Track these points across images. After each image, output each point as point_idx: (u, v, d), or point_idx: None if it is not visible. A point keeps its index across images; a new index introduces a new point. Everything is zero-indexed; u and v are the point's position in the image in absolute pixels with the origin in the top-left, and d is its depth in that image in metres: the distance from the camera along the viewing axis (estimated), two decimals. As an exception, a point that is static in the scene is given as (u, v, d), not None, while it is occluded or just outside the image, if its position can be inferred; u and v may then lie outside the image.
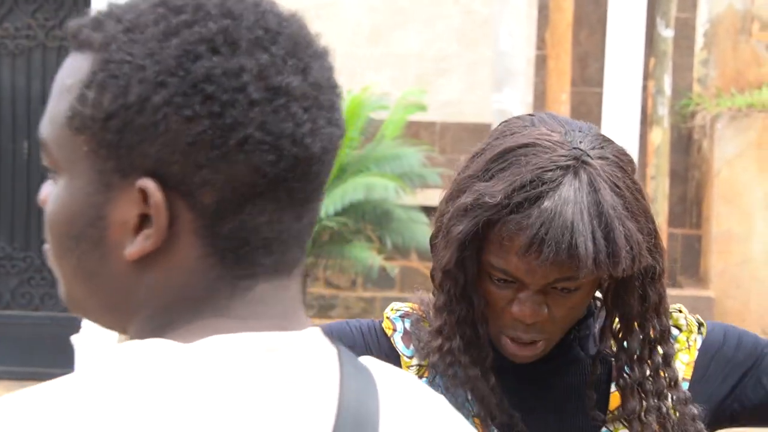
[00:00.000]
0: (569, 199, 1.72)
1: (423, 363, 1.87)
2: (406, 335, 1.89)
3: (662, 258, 1.85)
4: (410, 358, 1.88)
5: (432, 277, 1.86)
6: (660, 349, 1.86)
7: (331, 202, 8.13)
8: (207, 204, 1.04)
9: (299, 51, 1.06)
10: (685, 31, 8.91)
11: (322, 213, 8.01)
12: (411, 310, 1.92)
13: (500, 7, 7.51)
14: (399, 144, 8.66)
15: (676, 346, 1.91)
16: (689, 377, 1.90)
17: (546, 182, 1.72)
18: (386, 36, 9.34)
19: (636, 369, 1.84)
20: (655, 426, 1.84)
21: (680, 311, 1.95)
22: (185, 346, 1.02)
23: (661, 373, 1.85)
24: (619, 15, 8.78)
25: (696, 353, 1.91)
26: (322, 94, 1.07)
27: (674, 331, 1.92)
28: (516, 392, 1.86)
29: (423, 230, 8.53)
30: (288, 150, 1.04)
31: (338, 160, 8.47)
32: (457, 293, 1.81)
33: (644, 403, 1.84)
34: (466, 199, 1.75)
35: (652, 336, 1.85)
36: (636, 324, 1.84)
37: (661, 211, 8.61)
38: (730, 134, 8.66)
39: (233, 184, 1.03)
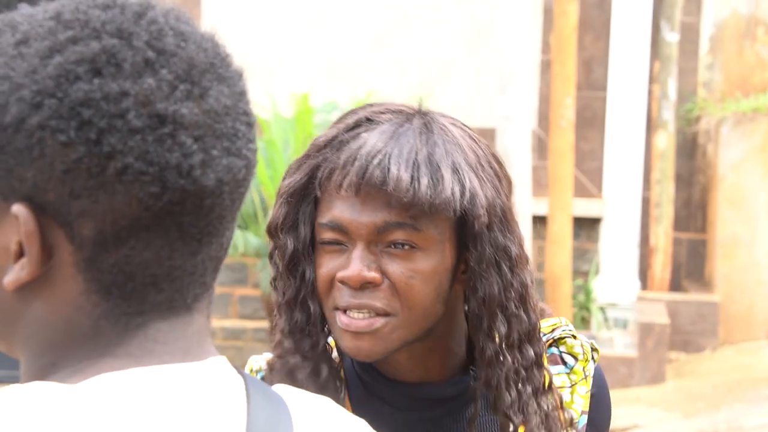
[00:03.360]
0: (391, 130, 1.60)
1: None
2: None
3: (521, 245, 1.67)
4: None
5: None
6: (530, 349, 1.66)
7: (335, 207, 8.12)
8: (86, 236, 0.97)
9: (195, 75, 0.98)
10: (690, 35, 8.91)
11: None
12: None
13: (505, 12, 7.51)
14: (403, 148, 8.64)
15: (573, 377, 1.75)
16: (588, 409, 1.75)
17: (373, 121, 1.62)
18: (390, 41, 9.34)
19: (508, 356, 1.64)
20: (521, 420, 1.65)
21: (574, 336, 1.77)
22: (69, 387, 0.95)
23: (532, 372, 1.67)
24: (623, 19, 8.77)
25: (591, 382, 1.75)
26: (219, 122, 0.99)
27: (569, 360, 1.75)
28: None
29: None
30: (173, 182, 0.96)
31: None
32: (286, 264, 1.65)
33: (520, 394, 1.65)
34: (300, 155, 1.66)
35: (522, 327, 1.65)
36: (497, 306, 1.63)
37: (666, 215, 8.60)
38: (735, 138, 8.65)
39: (113, 215, 0.96)
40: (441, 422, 1.67)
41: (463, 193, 1.58)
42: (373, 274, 1.58)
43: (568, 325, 1.77)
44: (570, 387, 1.74)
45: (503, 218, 1.63)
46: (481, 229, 1.60)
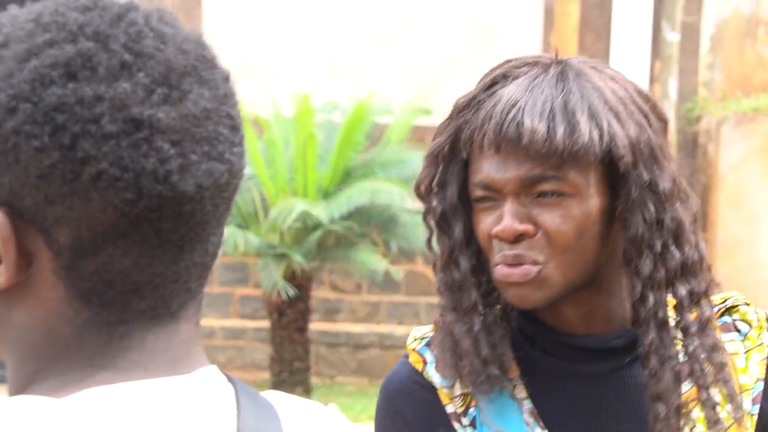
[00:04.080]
0: (525, 83, 1.61)
1: (466, 391, 1.67)
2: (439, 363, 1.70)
3: (674, 180, 1.65)
4: (450, 388, 1.68)
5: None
6: (684, 285, 1.65)
7: (336, 207, 8.14)
8: (63, 242, 0.95)
9: (173, 78, 0.96)
10: (690, 35, 8.91)
11: (326, 218, 8.02)
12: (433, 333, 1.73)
13: (506, 12, 7.52)
14: (404, 148, 8.66)
15: (747, 343, 1.72)
16: (764, 376, 1.70)
17: (509, 76, 1.63)
18: (392, 41, 9.34)
19: (651, 295, 1.63)
20: (677, 365, 1.63)
21: (747, 303, 1.75)
22: (58, 401, 0.94)
23: (692, 311, 1.65)
24: (624, 19, 8.78)
25: (767, 350, 1.71)
26: (198, 126, 0.96)
27: (743, 327, 1.73)
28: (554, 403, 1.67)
29: (428, 234, 8.52)
30: (150, 188, 0.94)
31: (344, 164, 8.49)
32: (437, 223, 1.68)
33: (662, 336, 1.63)
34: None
35: (670, 265, 1.63)
36: (644, 244, 1.62)
37: (666, 215, 8.61)
38: (736, 138, 8.66)
39: (89, 222, 0.95)
40: (609, 377, 1.67)
41: (601, 137, 1.57)
42: (525, 226, 1.59)
43: (741, 296, 1.76)
44: (744, 353, 1.71)
45: (650, 155, 1.62)
46: (626, 170, 1.60)
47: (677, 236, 1.64)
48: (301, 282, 8.43)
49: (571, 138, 1.56)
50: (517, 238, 1.60)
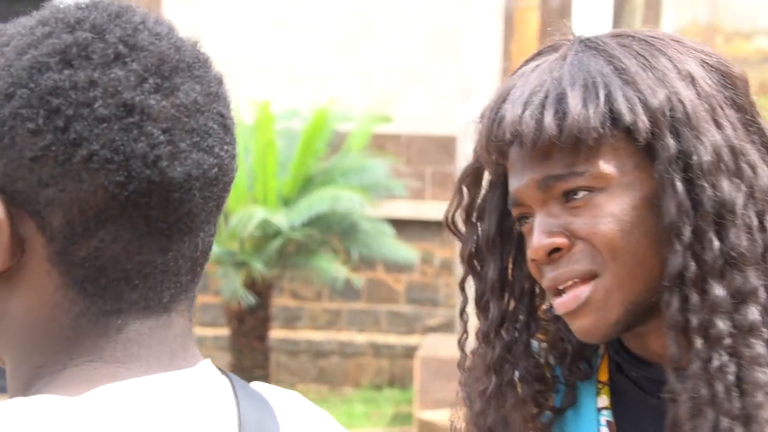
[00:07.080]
0: (518, 76, 1.38)
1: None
2: None
3: (715, 148, 1.31)
4: None
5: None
6: (720, 283, 1.30)
7: (296, 214, 8.13)
8: (56, 227, 0.98)
9: (165, 70, 1.00)
10: (649, 43, 8.98)
11: (287, 225, 8.02)
12: None
13: (466, 20, 7.54)
14: (365, 156, 8.67)
15: None
16: None
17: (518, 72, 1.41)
18: (352, 48, 9.35)
19: (675, 299, 1.31)
20: (701, 388, 1.29)
21: None
22: (73, 400, 0.96)
23: (734, 315, 1.31)
24: (584, 27, 8.82)
25: None
26: (189, 117, 1.00)
27: None
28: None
29: (389, 242, 8.54)
30: (139, 172, 0.98)
31: (304, 171, 8.49)
32: (468, 261, 1.45)
33: (682, 347, 1.32)
34: None
35: (706, 257, 1.30)
36: (672, 233, 1.30)
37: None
38: (694, 146, 8.72)
39: (80, 204, 0.98)
40: None
41: (597, 107, 1.30)
42: (555, 239, 1.32)
43: None
44: None
45: (685, 120, 1.31)
46: (648, 142, 1.31)
47: (720, 220, 1.30)
48: (261, 290, 8.41)
49: (560, 119, 1.30)
50: (554, 257, 1.33)
